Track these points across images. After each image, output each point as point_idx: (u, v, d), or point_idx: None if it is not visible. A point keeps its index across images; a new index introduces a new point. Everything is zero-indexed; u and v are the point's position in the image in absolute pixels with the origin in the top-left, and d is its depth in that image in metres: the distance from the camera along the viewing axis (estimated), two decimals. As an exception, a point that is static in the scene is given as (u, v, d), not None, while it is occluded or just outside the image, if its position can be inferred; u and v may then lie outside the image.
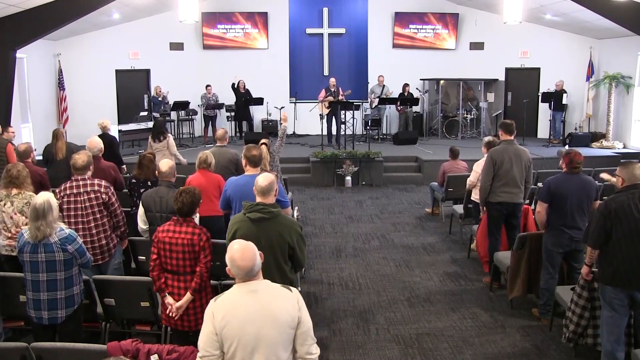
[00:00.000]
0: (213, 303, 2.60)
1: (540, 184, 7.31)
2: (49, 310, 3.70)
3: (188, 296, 3.68)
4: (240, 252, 2.56)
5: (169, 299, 3.74)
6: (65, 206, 4.54)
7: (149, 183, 5.58)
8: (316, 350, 2.62)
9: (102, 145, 6.16)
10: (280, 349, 2.52)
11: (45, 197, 3.68)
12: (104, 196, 4.59)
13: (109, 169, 6.00)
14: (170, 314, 3.74)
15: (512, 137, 5.83)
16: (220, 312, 2.53)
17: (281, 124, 6.90)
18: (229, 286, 3.91)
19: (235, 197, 4.32)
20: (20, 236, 3.73)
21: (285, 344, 2.54)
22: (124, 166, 8.04)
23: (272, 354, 2.50)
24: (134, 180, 5.74)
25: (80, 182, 4.58)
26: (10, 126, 8.82)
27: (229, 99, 13.95)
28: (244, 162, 4.63)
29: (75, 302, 3.80)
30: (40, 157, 7.25)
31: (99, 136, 7.07)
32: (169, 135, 8.05)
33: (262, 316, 2.51)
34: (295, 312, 2.56)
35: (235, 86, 13.35)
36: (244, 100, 13.42)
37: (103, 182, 4.68)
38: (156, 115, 12.58)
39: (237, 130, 13.84)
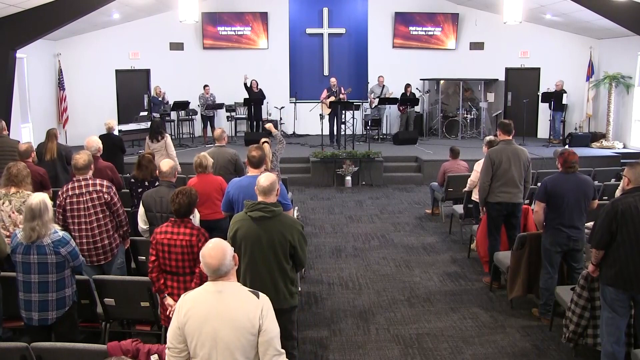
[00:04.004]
0: (182, 298, 2.63)
1: (539, 184, 7.32)
2: (40, 311, 3.69)
3: None
4: (210, 249, 2.57)
5: (169, 300, 3.74)
6: (68, 207, 4.53)
7: (147, 183, 5.58)
8: None
9: (101, 145, 6.14)
10: (238, 354, 2.49)
11: (41, 197, 3.68)
12: (106, 196, 4.58)
13: (105, 169, 5.94)
14: (170, 315, 3.73)
15: (511, 137, 5.83)
16: (184, 307, 2.56)
17: (270, 132, 6.81)
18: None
19: (239, 198, 4.31)
20: (14, 237, 3.71)
21: (244, 350, 2.50)
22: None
23: (230, 356, 2.48)
24: (132, 180, 5.74)
25: (82, 182, 4.57)
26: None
27: (229, 99, 13.94)
28: (246, 162, 4.64)
29: (67, 304, 3.78)
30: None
31: (102, 136, 7.06)
32: (167, 135, 7.92)
33: (220, 317, 2.49)
34: (256, 318, 2.50)
35: (248, 85, 13.15)
36: (255, 100, 13.22)
37: (105, 182, 4.68)
38: (156, 115, 12.58)
39: (250, 130, 13.51)
